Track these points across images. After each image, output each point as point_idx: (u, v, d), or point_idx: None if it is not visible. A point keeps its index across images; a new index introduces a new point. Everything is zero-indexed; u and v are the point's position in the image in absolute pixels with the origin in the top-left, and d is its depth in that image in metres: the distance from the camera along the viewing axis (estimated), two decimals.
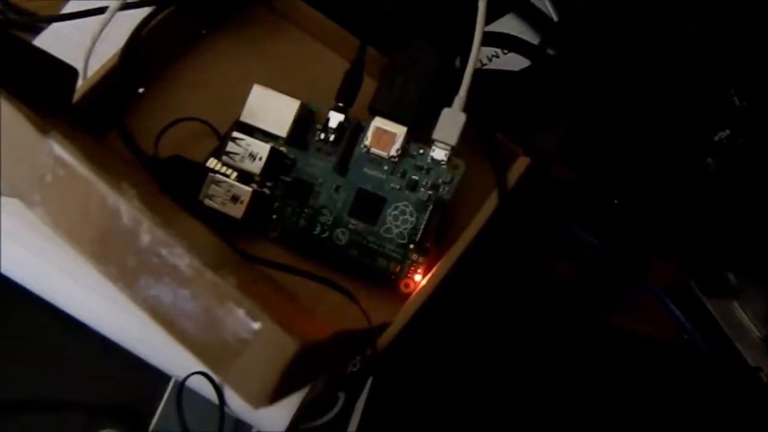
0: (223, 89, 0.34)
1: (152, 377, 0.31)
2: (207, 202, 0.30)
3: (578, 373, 0.34)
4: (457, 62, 0.34)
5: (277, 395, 0.17)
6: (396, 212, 0.31)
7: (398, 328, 0.29)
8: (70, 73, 0.28)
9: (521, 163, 0.33)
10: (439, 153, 0.31)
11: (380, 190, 0.31)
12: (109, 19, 0.32)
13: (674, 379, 0.34)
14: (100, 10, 0.32)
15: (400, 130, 0.31)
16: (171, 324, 0.17)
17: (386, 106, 0.31)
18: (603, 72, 0.36)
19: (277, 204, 0.32)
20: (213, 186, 0.31)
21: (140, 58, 0.32)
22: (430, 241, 0.31)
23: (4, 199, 0.19)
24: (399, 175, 0.31)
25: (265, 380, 0.17)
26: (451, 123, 0.30)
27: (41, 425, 0.31)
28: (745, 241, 0.36)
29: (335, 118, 0.31)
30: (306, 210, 0.32)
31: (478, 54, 0.31)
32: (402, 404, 0.33)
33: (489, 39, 0.37)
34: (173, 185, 0.30)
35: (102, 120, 0.33)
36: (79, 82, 0.30)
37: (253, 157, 0.31)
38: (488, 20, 0.31)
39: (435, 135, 0.30)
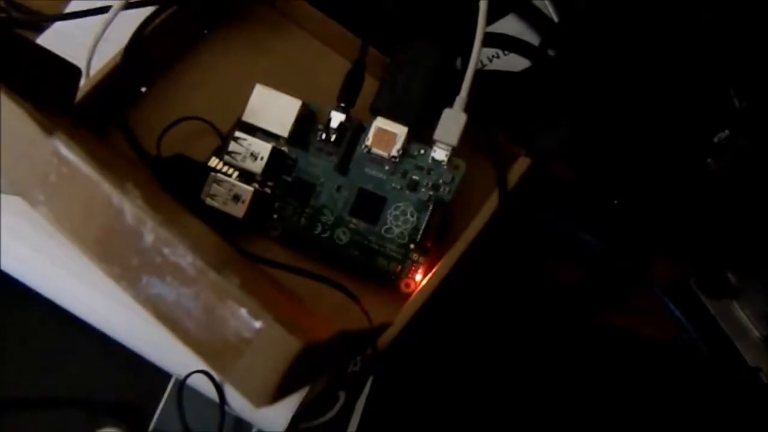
0: (225, 89, 0.34)
1: (153, 375, 0.31)
2: (209, 201, 0.31)
3: (578, 373, 0.34)
4: (458, 63, 0.34)
5: (278, 394, 0.17)
6: (397, 212, 0.31)
7: (399, 328, 0.29)
8: (74, 72, 0.28)
9: (522, 164, 0.33)
10: (439, 153, 0.31)
11: (381, 190, 0.31)
12: (112, 19, 0.32)
13: (674, 379, 0.34)
14: (103, 10, 0.32)
15: (401, 131, 0.31)
16: (173, 323, 0.17)
17: (387, 106, 0.31)
18: (603, 72, 0.36)
19: (278, 203, 0.32)
20: (215, 185, 0.31)
21: (143, 57, 0.32)
22: (431, 241, 0.31)
23: (8, 197, 0.19)
24: (400, 175, 0.31)
25: (267, 379, 0.17)
26: (452, 123, 0.30)
27: (42, 423, 0.31)
28: (745, 241, 0.36)
29: (337, 118, 0.31)
30: (307, 209, 0.32)
31: (479, 54, 0.31)
32: (402, 404, 0.33)
33: (490, 40, 0.37)
34: (175, 184, 0.30)
35: (105, 119, 0.33)
36: (82, 81, 0.30)
37: (254, 156, 0.31)
38: (489, 21, 0.31)
39: (436, 135, 0.30)
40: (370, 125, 0.31)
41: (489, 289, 0.34)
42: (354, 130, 0.32)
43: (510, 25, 0.39)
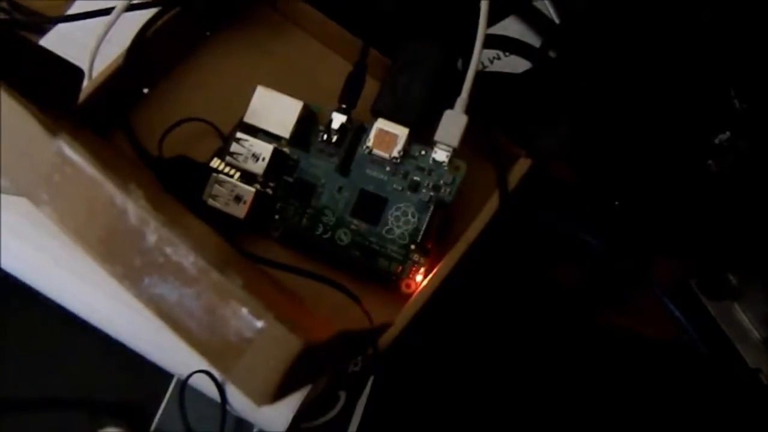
0: (227, 90, 0.34)
1: (155, 375, 0.31)
2: (210, 202, 0.31)
3: (579, 373, 0.34)
4: (459, 64, 0.34)
5: (279, 393, 0.17)
6: (398, 213, 0.31)
7: (399, 328, 0.29)
8: (76, 73, 0.28)
9: (522, 165, 0.33)
10: (440, 154, 0.31)
11: (382, 190, 0.31)
12: (115, 20, 0.32)
13: (674, 380, 0.34)
14: (106, 11, 0.32)
15: (402, 132, 0.31)
16: (175, 322, 0.17)
17: (388, 107, 0.32)
18: (604, 74, 0.36)
19: (279, 204, 0.32)
20: (216, 186, 0.31)
21: (145, 59, 0.32)
22: (432, 242, 0.31)
23: (12, 197, 0.19)
24: (401, 176, 0.31)
25: (268, 378, 0.17)
26: (452, 125, 0.30)
27: (44, 423, 0.31)
28: (746, 243, 0.36)
29: (338, 120, 0.31)
30: (308, 210, 0.32)
31: (480, 56, 0.31)
32: (403, 404, 0.33)
33: (491, 41, 0.37)
34: (177, 185, 0.30)
35: (107, 120, 0.33)
36: (85, 83, 0.31)
37: (256, 157, 0.31)
38: (490, 22, 0.31)
39: (437, 136, 0.31)
40: (371, 126, 0.31)
41: (489, 290, 0.34)
42: (355, 131, 0.32)
43: (511, 27, 0.39)
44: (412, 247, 0.31)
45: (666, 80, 0.35)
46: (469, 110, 0.31)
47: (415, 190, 0.31)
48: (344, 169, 0.32)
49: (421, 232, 0.31)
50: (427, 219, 0.31)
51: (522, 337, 0.35)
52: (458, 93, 0.31)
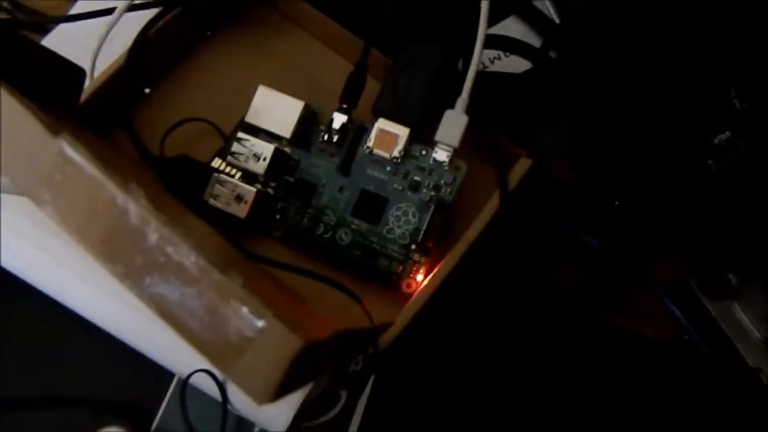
0: (228, 90, 0.34)
1: (156, 374, 0.31)
2: (211, 201, 0.31)
3: (579, 373, 0.34)
4: (460, 64, 0.34)
5: (280, 392, 0.17)
6: (398, 213, 0.31)
7: (400, 328, 0.29)
8: (78, 73, 0.28)
9: (523, 165, 0.33)
10: (441, 154, 0.31)
11: (383, 190, 0.31)
12: (116, 20, 0.32)
13: (674, 380, 0.35)
14: (108, 11, 0.32)
15: (402, 132, 0.31)
16: (177, 322, 0.17)
17: (389, 107, 0.32)
18: (604, 74, 0.36)
19: (280, 204, 0.32)
20: (217, 186, 0.31)
21: (146, 59, 0.32)
22: (432, 242, 0.31)
23: (13, 197, 0.19)
24: (401, 176, 0.31)
25: (268, 377, 0.17)
26: (453, 125, 0.30)
27: (45, 422, 0.31)
28: (746, 243, 0.36)
29: (339, 119, 0.32)
30: (309, 210, 0.32)
31: (481, 56, 0.31)
32: (403, 403, 0.33)
33: (491, 41, 0.37)
34: (178, 185, 0.30)
35: (109, 120, 0.33)
36: (87, 83, 0.31)
37: (257, 157, 0.31)
38: (490, 22, 0.32)
39: (437, 136, 0.31)
40: (372, 126, 0.31)
41: (490, 290, 0.35)
42: (356, 131, 0.32)
43: (511, 27, 0.39)
44: (413, 246, 0.31)
45: (666, 80, 0.35)
46: (469, 110, 0.31)
47: (416, 189, 0.31)
48: (345, 168, 0.32)
49: (422, 232, 0.31)
50: (427, 219, 0.31)
51: (522, 337, 0.35)
52: (459, 93, 0.31)
